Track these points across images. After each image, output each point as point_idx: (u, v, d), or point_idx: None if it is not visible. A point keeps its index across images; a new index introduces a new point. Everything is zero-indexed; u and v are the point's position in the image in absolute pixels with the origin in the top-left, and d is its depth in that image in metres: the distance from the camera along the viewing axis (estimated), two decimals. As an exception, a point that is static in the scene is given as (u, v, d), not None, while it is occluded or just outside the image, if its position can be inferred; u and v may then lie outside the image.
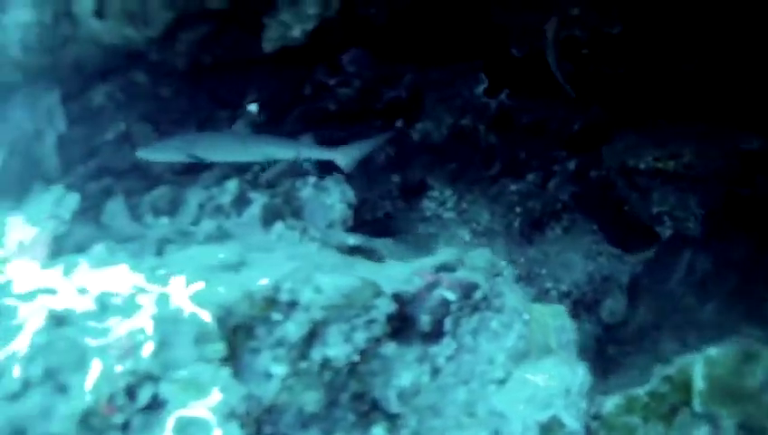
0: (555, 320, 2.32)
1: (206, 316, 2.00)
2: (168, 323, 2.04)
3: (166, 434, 1.85)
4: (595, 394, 2.08)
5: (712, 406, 1.84)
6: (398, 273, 2.33)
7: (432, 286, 2.29)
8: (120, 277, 2.47)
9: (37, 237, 3.80)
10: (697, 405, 1.87)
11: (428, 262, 2.43)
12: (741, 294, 4.79)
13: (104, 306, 2.26)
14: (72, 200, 3.93)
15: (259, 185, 4.10)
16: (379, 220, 4.44)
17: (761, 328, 4.34)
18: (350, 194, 3.96)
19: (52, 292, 2.49)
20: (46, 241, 3.77)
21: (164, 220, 4.20)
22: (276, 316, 2.08)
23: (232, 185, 4.16)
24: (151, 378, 1.93)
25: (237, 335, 2.06)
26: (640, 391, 1.95)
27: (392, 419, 2.12)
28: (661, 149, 4.45)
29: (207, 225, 4.03)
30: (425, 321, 2.28)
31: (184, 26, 3.99)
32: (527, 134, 4.65)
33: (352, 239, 3.62)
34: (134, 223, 4.20)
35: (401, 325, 2.23)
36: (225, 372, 1.94)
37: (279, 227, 3.82)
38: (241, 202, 4.09)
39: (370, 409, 2.14)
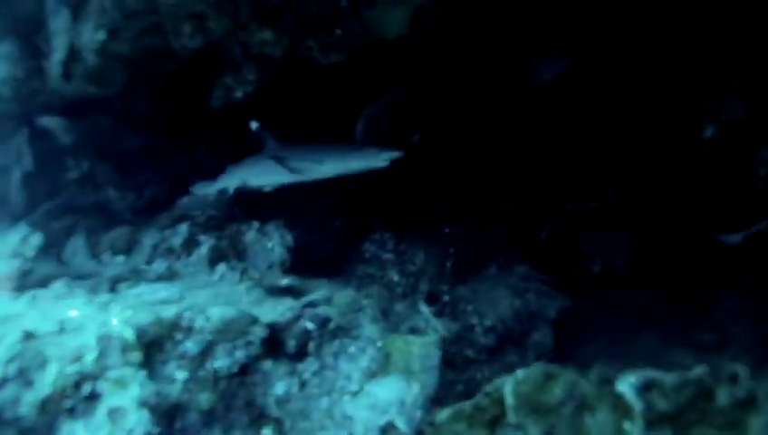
0: (421, 349, 3.17)
1: (130, 334, 3.02)
2: (104, 339, 3.09)
3: (100, 417, 2.89)
4: (433, 406, 2.92)
5: (522, 417, 2.63)
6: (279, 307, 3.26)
7: (297, 318, 3.20)
8: (74, 308, 3.65)
9: (4, 274, 4.68)
10: (511, 417, 2.66)
11: (303, 300, 3.37)
12: (675, 324, 5.61)
13: (62, 328, 3.34)
14: (36, 239, 4.81)
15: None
16: (324, 261, 5.25)
17: (694, 354, 5.15)
18: (289, 238, 4.79)
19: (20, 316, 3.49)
20: (12, 277, 4.65)
21: (120, 259, 5.05)
22: (179, 336, 3.05)
23: (183, 227, 5.01)
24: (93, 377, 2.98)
25: (151, 349, 3.05)
26: (467, 405, 2.74)
27: (275, 421, 3.01)
28: (585, 191, 5.33)
29: (159, 265, 4.90)
30: (291, 344, 3.21)
31: (141, 82, 4.86)
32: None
33: (286, 280, 4.46)
34: (93, 261, 5.06)
35: (274, 347, 3.16)
36: (142, 373, 2.97)
37: (222, 268, 4.68)
38: (191, 244, 4.93)
39: (259, 412, 3.05)
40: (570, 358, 5.64)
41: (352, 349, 3.21)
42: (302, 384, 3.14)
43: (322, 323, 3.25)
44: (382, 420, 2.97)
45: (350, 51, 4.33)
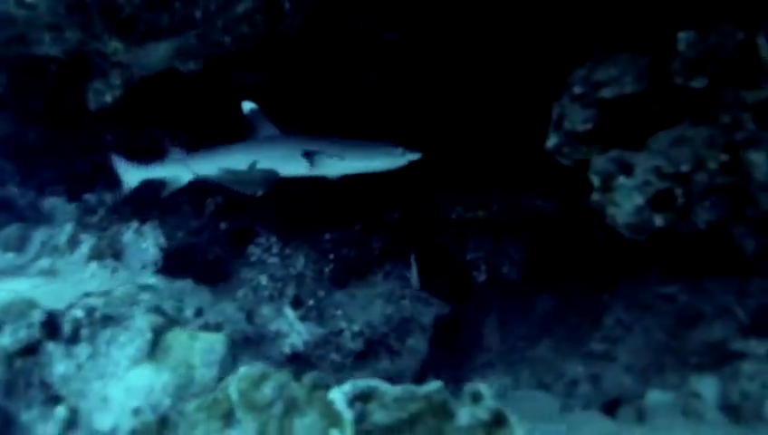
0: (205, 344, 3.40)
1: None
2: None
3: None
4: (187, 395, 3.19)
5: (243, 413, 2.77)
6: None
7: (71, 306, 3.47)
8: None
9: None
10: (238, 411, 2.81)
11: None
12: (570, 333, 5.64)
13: None
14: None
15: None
16: (212, 263, 5.45)
17: (584, 364, 5.20)
18: (163, 239, 5.03)
19: None
20: None
21: (10, 255, 5.38)
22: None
23: (68, 227, 5.31)
24: None
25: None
26: (209, 397, 2.90)
27: (66, 399, 3.41)
28: (470, 200, 5.38)
29: (44, 261, 5.20)
30: (66, 329, 3.58)
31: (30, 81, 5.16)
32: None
33: (152, 280, 4.70)
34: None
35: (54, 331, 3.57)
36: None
37: (93, 266, 4.95)
38: (74, 242, 5.21)
39: (52, 391, 3.51)
40: (463, 367, 5.75)
41: (122, 338, 3.48)
42: (79, 367, 3.47)
43: (89, 311, 3.53)
44: (135, 404, 3.25)
45: (209, 59, 4.53)
